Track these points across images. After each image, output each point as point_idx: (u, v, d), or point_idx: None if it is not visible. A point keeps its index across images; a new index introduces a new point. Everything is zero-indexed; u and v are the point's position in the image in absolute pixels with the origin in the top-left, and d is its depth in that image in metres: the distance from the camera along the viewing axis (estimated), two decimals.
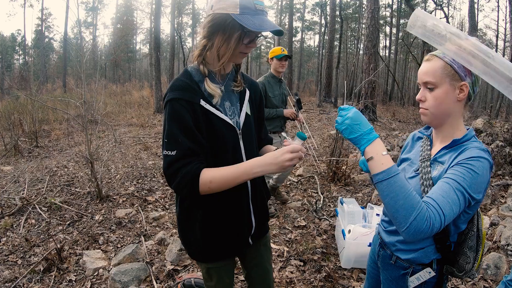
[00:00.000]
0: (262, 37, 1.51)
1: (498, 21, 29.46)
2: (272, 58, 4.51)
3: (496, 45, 27.95)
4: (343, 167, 6.10)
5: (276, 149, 1.56)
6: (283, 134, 1.86)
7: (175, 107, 1.41)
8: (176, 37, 20.85)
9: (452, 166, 1.29)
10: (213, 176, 1.38)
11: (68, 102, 6.29)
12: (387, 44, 36.50)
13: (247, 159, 1.56)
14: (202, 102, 1.45)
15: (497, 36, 28.26)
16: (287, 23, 31.53)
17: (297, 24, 45.46)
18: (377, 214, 3.48)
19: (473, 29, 20.35)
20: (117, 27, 42.12)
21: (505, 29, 26.41)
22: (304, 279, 3.17)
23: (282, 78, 4.72)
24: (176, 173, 1.38)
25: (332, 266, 3.33)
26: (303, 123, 4.62)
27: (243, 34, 1.41)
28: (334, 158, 6.22)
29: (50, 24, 40.85)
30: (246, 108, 1.63)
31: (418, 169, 1.46)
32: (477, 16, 21.83)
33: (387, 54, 35.46)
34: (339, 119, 1.31)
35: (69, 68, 32.60)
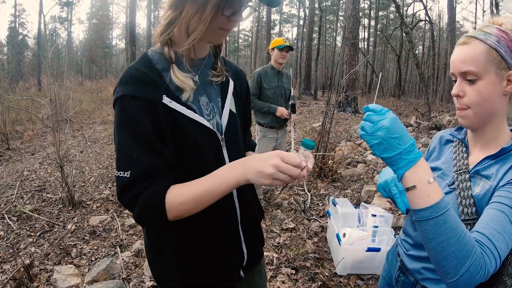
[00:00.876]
0: (250, 8, 1.12)
1: (476, 13, 29.82)
2: (273, 49, 4.27)
3: None
4: (329, 162, 5.86)
5: None
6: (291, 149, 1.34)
7: (127, 108, 1.03)
8: (152, 31, 20.27)
9: (505, 186, 1.00)
10: (183, 196, 1.03)
11: (42, 101, 5.86)
12: (366, 36, 36.56)
13: None
14: (166, 99, 1.06)
15: (475, 28, 28.86)
16: (264, 16, 31.13)
17: (275, 17, 45.09)
18: (373, 215, 3.24)
19: (452, 21, 20.56)
20: (93, 22, 41.08)
21: (482, 21, 27.01)
22: None
23: (284, 71, 4.45)
24: (134, 201, 1.03)
25: (327, 273, 3.08)
26: (294, 125, 4.35)
27: (223, 2, 1.01)
28: (320, 153, 5.97)
29: (24, 20, 39.47)
30: (230, 104, 1.25)
31: (452, 183, 1.18)
32: (455, 9, 22.03)
33: (365, 46, 35.52)
34: (367, 127, 0.95)
35: (44, 66, 31.52)
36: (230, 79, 1.30)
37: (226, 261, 1.25)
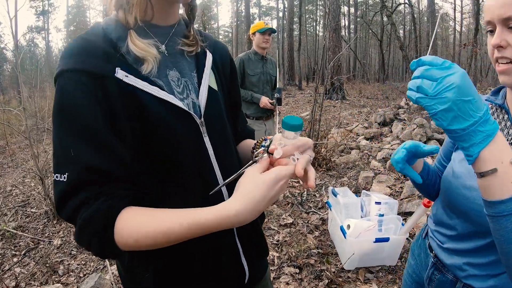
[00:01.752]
0: None
1: None
2: (254, 33, 4.01)
3: (454, 17, 28.82)
4: (322, 150, 5.65)
5: (256, 145, 0.98)
6: (268, 137, 0.99)
7: (67, 87, 0.78)
8: None
9: None
10: (142, 232, 0.76)
11: (25, 112, 5.57)
12: (346, 23, 36.46)
13: (222, 175, 0.96)
14: (121, 73, 0.81)
15: (454, 9, 29.20)
16: (243, 11, 30.79)
17: (254, 10, 44.73)
18: (376, 202, 3.04)
19: (431, 3, 20.55)
20: (70, 30, 40.27)
21: (462, 1, 27.29)
22: None
23: (268, 56, 4.18)
24: (73, 217, 0.77)
25: (333, 269, 2.86)
26: (278, 113, 4.12)
27: None
28: (313, 142, 5.76)
29: (1, 33, 38.35)
30: (208, 79, 0.99)
31: None
32: None
33: (347, 34, 35.40)
34: (428, 86, 0.70)
35: (23, 77, 30.87)
36: (208, 51, 1.04)
37: (221, 281, 0.99)
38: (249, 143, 1.18)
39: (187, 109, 0.89)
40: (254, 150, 1.02)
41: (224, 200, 0.79)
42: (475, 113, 0.68)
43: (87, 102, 0.77)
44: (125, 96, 0.81)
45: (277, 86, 4.24)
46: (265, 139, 1.00)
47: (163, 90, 0.86)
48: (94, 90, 0.78)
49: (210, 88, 0.98)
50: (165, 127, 0.85)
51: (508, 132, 0.95)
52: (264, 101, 3.97)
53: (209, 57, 1.03)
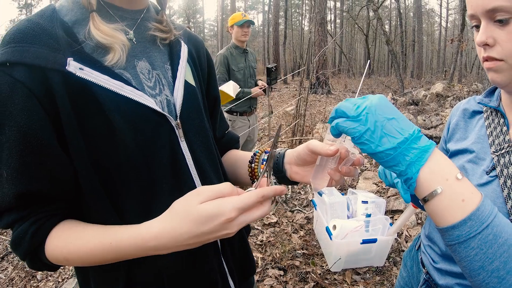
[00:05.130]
0: None
1: None
2: (232, 26, 3.82)
3: (440, 13, 29.16)
4: None
5: (256, 159, 0.89)
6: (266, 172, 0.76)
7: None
8: None
9: None
10: (68, 248, 0.68)
11: None
12: (332, 18, 36.45)
13: (203, 185, 0.81)
14: (73, 66, 0.63)
15: (440, 5, 29.56)
16: (229, 4, 30.46)
17: (239, 4, 44.35)
18: (363, 201, 2.93)
19: None
20: None
21: None
22: None
23: (248, 49, 4.01)
24: (8, 228, 0.70)
25: (319, 271, 2.75)
26: (270, 90, 4.00)
27: None
28: (297, 138, 5.65)
29: None
30: (184, 72, 0.83)
31: (492, 169, 0.84)
32: None
33: (333, 29, 35.40)
34: (348, 109, 0.63)
35: None
36: (182, 41, 0.88)
37: None
38: (237, 155, 1.03)
39: (159, 108, 0.72)
40: (253, 165, 0.91)
41: None
42: (404, 131, 0.61)
43: (22, 105, 0.61)
44: (77, 95, 0.65)
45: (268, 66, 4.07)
46: (266, 152, 0.90)
47: (130, 84, 0.69)
48: (34, 89, 0.61)
49: (186, 82, 0.83)
50: (130, 132, 0.69)
51: (504, 138, 0.83)
52: (255, 90, 3.86)
53: (185, 48, 0.87)
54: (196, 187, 0.78)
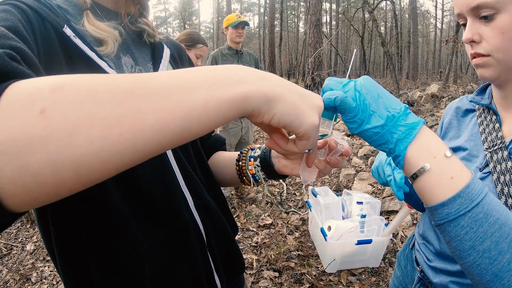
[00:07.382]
0: None
1: None
2: (227, 27, 3.82)
3: (436, 15, 29.37)
4: None
5: (243, 156, 0.90)
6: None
7: (8, 8, 0.58)
8: None
9: None
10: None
11: None
12: (328, 20, 36.57)
13: (189, 188, 0.80)
14: (68, 31, 0.64)
15: (436, 6, 29.81)
16: (225, 6, 30.51)
17: (235, 6, 44.44)
18: (358, 202, 2.91)
19: (413, 0, 20.74)
20: None
21: None
22: None
23: (244, 49, 3.99)
24: None
25: (314, 273, 2.73)
26: None
27: None
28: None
29: None
30: (166, 70, 0.84)
31: (486, 165, 0.84)
32: None
33: (328, 30, 35.52)
34: (336, 87, 0.63)
35: None
36: (165, 45, 0.90)
37: None
38: (224, 156, 1.02)
39: None
40: (240, 163, 0.91)
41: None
42: (392, 108, 0.61)
43: (23, 26, 0.57)
44: (69, 59, 0.64)
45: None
46: (253, 149, 0.90)
47: (113, 70, 0.70)
48: (34, 23, 0.60)
49: None
50: None
51: (496, 135, 0.84)
52: None
53: (167, 50, 0.89)
54: (181, 189, 0.78)
